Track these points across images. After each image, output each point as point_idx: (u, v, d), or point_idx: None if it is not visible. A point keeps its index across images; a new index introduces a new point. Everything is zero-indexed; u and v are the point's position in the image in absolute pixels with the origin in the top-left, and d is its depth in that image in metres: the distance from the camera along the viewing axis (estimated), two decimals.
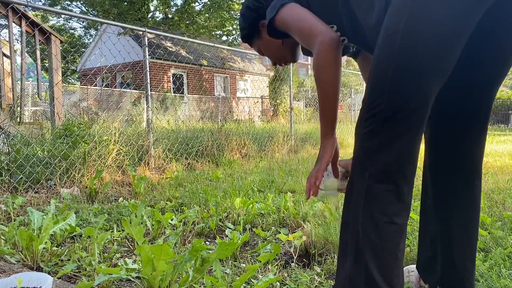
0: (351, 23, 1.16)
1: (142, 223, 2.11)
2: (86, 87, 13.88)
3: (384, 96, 0.98)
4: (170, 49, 17.64)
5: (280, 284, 1.49)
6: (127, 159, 3.87)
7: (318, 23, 1.14)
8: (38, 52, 4.53)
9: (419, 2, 0.93)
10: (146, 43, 4.27)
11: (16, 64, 4.96)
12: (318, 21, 1.14)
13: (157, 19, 18.85)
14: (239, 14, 1.41)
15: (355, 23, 1.14)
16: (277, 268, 1.61)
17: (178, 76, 17.57)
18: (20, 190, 3.00)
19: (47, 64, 5.02)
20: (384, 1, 1.02)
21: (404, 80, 0.95)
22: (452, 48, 0.93)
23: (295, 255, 1.77)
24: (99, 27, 19.48)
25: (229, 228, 2.20)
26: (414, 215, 2.01)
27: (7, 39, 4.63)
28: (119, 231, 2.11)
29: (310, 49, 1.15)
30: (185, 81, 17.69)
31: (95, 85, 15.11)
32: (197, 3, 17.19)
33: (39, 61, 4.61)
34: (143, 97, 6.82)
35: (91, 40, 22.90)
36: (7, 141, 3.46)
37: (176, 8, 17.92)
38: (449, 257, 1.22)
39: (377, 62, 0.99)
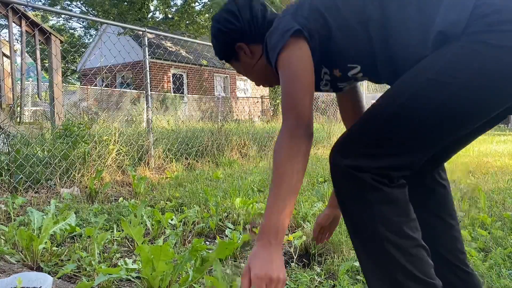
0: (386, 61, 1.05)
1: (142, 223, 2.11)
2: (86, 87, 13.89)
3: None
4: (170, 49, 17.64)
5: None
6: (127, 159, 3.87)
7: (305, 98, 0.99)
8: (38, 52, 4.53)
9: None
10: (146, 43, 4.27)
11: (16, 64, 4.97)
12: (308, 92, 1.00)
13: (157, 19, 18.86)
14: (212, 37, 1.29)
15: (390, 58, 1.04)
16: None
17: (178, 76, 17.57)
18: (20, 190, 3.00)
19: (47, 64, 5.02)
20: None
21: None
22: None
23: (295, 255, 1.77)
24: (99, 27, 19.48)
25: (229, 228, 2.20)
26: None
27: (7, 39, 4.63)
28: (119, 231, 2.11)
29: (282, 113, 1.01)
30: (185, 81, 17.69)
31: (95, 85, 15.11)
32: (197, 3, 17.20)
33: (39, 61, 4.61)
34: (143, 97, 6.82)
35: (91, 40, 22.92)
36: (7, 141, 3.46)
37: (176, 8, 17.93)
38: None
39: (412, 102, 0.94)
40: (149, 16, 18.69)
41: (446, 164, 1.23)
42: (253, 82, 1.40)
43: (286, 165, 0.94)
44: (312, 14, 1.07)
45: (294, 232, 2.02)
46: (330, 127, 7.67)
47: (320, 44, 1.08)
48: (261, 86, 1.46)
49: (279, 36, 1.05)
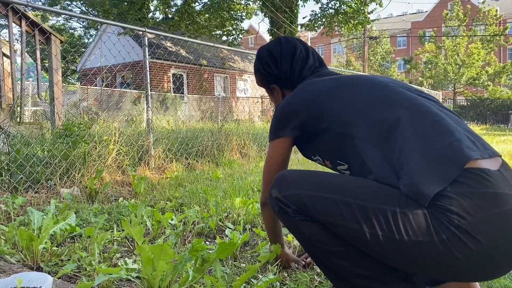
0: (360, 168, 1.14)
1: (142, 223, 2.11)
2: (86, 87, 13.89)
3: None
4: (170, 49, 17.63)
5: (280, 284, 1.49)
6: (127, 159, 3.87)
7: (270, 182, 1.24)
8: (38, 52, 4.53)
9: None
10: (146, 43, 4.27)
11: (16, 64, 4.96)
12: (272, 179, 1.22)
13: (157, 19, 18.85)
14: (254, 68, 1.51)
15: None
16: (277, 268, 1.61)
17: (178, 76, 17.57)
18: (20, 190, 3.00)
19: (47, 64, 5.03)
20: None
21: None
22: None
23: (295, 255, 1.76)
24: (99, 27, 19.48)
25: (229, 228, 2.20)
26: None
27: (7, 39, 4.63)
28: (119, 231, 2.11)
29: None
30: (185, 81, 17.69)
31: (95, 85, 15.11)
32: (197, 3, 17.18)
33: (39, 61, 4.61)
34: (143, 97, 6.82)
35: (90, 40, 22.91)
36: (7, 141, 3.46)
37: (176, 8, 17.91)
38: None
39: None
40: (149, 16, 18.67)
41: None
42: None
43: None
44: (313, 109, 1.21)
45: None
46: None
47: (312, 136, 1.23)
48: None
49: (276, 127, 1.30)
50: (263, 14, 16.70)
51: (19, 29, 4.40)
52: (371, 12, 16.64)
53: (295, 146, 1.36)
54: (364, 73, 11.47)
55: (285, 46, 1.39)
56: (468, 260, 0.90)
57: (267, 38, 19.27)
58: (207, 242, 2.01)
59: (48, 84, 5.12)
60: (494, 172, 0.94)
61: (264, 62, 1.41)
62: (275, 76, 1.40)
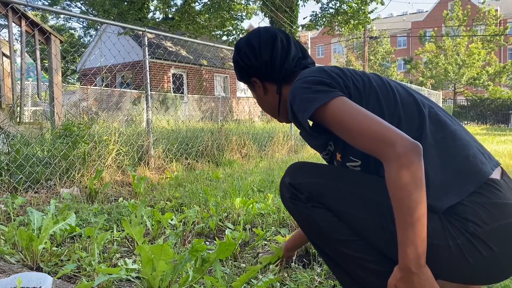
0: None
1: (142, 223, 2.11)
2: (86, 87, 13.89)
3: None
4: (170, 49, 17.64)
5: (280, 284, 1.49)
6: (127, 159, 3.87)
7: (389, 125, 0.93)
8: (38, 52, 4.53)
9: None
10: (146, 43, 4.27)
11: (16, 64, 4.97)
12: (376, 117, 0.96)
13: (157, 19, 18.85)
14: (233, 62, 1.35)
15: None
16: (277, 268, 1.61)
17: (178, 76, 17.57)
18: (20, 190, 3.00)
19: (47, 64, 5.03)
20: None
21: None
22: None
23: (295, 255, 1.76)
24: (99, 27, 19.48)
25: (229, 228, 2.20)
26: None
27: (7, 39, 4.63)
28: (119, 231, 2.10)
29: (376, 157, 0.95)
30: (185, 81, 17.69)
31: (95, 85, 15.11)
32: (197, 3, 17.18)
33: (39, 61, 4.61)
34: (143, 97, 6.82)
35: (90, 40, 22.90)
36: (7, 141, 3.46)
37: (176, 8, 17.91)
38: None
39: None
40: (149, 16, 18.66)
41: None
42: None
43: (411, 204, 0.88)
44: (356, 84, 1.12)
45: None
46: None
47: None
48: None
49: (319, 92, 1.03)
50: (263, 14, 16.71)
51: (19, 29, 4.40)
52: (372, 11, 16.64)
53: (300, 137, 1.30)
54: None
55: (264, 35, 1.28)
56: (478, 266, 0.95)
57: None
58: (207, 242, 2.01)
59: (48, 84, 5.12)
60: (501, 181, 1.00)
61: (242, 53, 1.28)
62: (254, 68, 1.28)
